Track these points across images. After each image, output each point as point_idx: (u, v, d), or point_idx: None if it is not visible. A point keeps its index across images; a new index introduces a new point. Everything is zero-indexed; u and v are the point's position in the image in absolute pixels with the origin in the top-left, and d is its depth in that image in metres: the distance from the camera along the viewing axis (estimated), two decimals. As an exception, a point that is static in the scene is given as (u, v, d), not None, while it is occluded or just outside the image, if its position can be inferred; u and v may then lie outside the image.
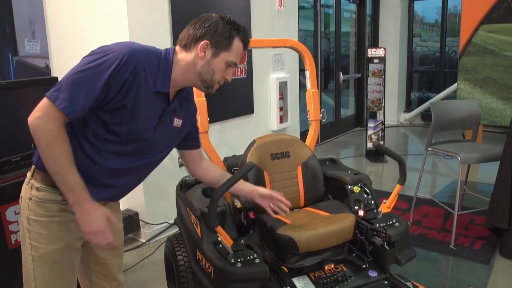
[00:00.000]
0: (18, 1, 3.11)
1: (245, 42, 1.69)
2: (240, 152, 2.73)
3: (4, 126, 2.29)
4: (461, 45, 5.71)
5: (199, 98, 2.52)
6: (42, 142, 1.43)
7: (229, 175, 1.97)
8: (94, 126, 1.54)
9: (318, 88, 2.94)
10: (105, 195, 1.66)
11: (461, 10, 5.79)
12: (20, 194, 1.67)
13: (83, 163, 1.54)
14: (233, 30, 1.63)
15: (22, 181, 2.18)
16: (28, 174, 1.66)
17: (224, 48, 1.63)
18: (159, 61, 1.59)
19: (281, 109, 5.44)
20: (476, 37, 5.59)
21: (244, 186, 2.07)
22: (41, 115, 1.43)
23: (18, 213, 2.29)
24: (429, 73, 9.39)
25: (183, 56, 1.63)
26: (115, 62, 1.45)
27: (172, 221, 3.81)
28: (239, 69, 4.76)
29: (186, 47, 1.63)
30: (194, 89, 2.48)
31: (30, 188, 1.61)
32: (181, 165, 4.00)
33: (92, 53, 1.50)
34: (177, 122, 1.75)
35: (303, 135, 6.02)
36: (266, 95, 5.29)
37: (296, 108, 5.87)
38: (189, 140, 1.93)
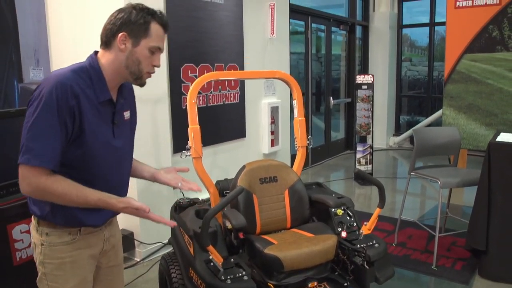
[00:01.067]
0: (24, 31, 3.31)
1: (163, 24, 1.68)
2: (232, 175, 2.90)
3: (10, 150, 2.45)
4: (446, 73, 5.96)
5: (193, 126, 2.69)
6: (49, 198, 1.55)
7: (138, 163, 2.01)
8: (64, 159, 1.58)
9: (305, 116, 3.13)
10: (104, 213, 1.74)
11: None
12: (32, 240, 1.73)
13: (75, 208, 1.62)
14: (147, 15, 1.64)
15: (26, 203, 2.35)
16: (33, 221, 1.71)
17: (143, 35, 1.63)
18: (88, 74, 1.61)
19: (272, 133, 5.63)
20: (460, 65, 5.85)
21: (148, 170, 2.02)
22: (28, 182, 1.50)
23: (24, 232, 2.45)
24: (418, 97, 9.64)
25: (107, 57, 1.65)
26: (53, 98, 1.48)
27: (166, 241, 3.95)
28: (231, 94, 4.96)
29: (107, 45, 1.64)
30: (189, 116, 2.68)
31: (40, 234, 1.68)
32: (174, 188, 4.16)
33: (30, 103, 1.51)
34: (127, 114, 1.80)
35: (293, 157, 6.21)
36: (258, 119, 5.48)
37: (287, 132, 6.06)
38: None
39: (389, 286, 2.86)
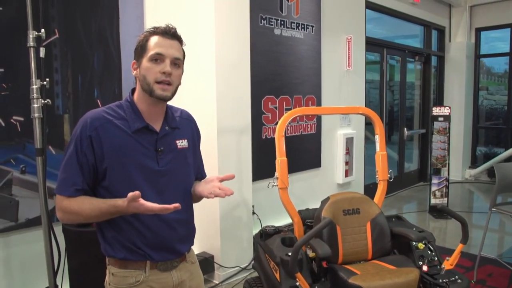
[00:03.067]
0: (126, 67, 3.66)
1: (160, 32, 1.67)
2: (307, 203, 3.02)
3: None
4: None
5: (282, 158, 2.87)
6: (73, 219, 1.65)
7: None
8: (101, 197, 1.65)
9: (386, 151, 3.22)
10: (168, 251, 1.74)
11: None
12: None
13: (130, 234, 1.67)
14: (145, 36, 1.67)
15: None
16: (106, 259, 1.77)
17: (144, 53, 1.65)
18: (122, 107, 1.68)
19: (347, 163, 5.73)
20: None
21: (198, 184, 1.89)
22: (56, 208, 1.65)
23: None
24: (496, 128, 9.33)
25: (137, 87, 1.71)
26: (77, 132, 1.62)
27: (244, 265, 4.13)
28: (309, 125, 5.13)
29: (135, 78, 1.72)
30: (277, 148, 2.86)
31: (108, 273, 1.74)
32: (253, 213, 4.35)
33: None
34: (182, 143, 1.78)
35: (367, 188, 6.25)
36: (333, 150, 5.60)
37: (361, 163, 6.13)
38: (196, 169, 1.91)
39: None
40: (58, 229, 2.88)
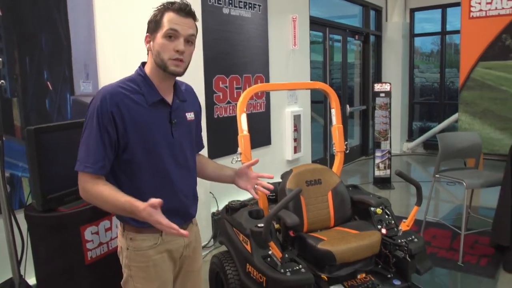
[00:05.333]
0: (76, 48, 3.57)
1: (175, 9, 1.68)
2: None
3: (72, 160, 2.68)
4: (461, 80, 6.21)
5: (244, 134, 2.93)
6: (93, 201, 1.68)
7: (221, 166, 2.12)
8: (121, 171, 1.72)
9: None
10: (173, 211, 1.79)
11: (457, 42, 6.30)
12: (118, 245, 1.88)
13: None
14: (160, 11, 1.69)
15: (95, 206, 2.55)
16: (120, 227, 1.85)
17: (158, 28, 1.67)
18: (136, 82, 1.72)
19: (295, 140, 5.87)
20: (474, 73, 6.10)
21: (225, 172, 2.09)
22: (79, 186, 1.68)
23: (94, 233, 2.68)
24: (429, 104, 9.86)
25: (148, 62, 1.76)
26: (95, 108, 1.62)
27: (203, 244, 4.18)
28: (258, 104, 5.21)
29: (147, 52, 1.76)
30: (239, 124, 2.92)
31: (125, 239, 1.81)
32: (210, 192, 4.40)
33: (85, 118, 1.69)
34: (190, 115, 1.87)
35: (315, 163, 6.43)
36: (281, 127, 5.73)
37: (308, 139, 6.30)
38: (196, 140, 2.00)
39: (422, 281, 3.09)
40: (20, 216, 2.80)
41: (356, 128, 8.98)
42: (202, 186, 4.27)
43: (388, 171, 6.53)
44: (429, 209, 4.39)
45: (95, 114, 1.63)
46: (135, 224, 1.76)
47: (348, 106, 7.97)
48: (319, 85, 3.22)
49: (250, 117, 5.18)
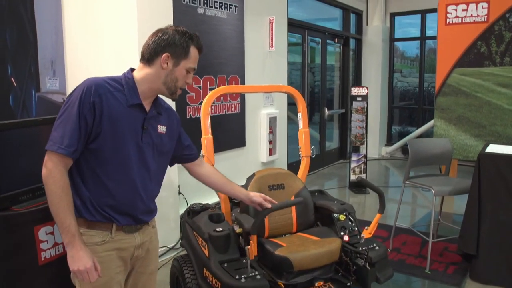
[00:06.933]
0: (43, 44, 3.49)
1: (199, 48, 1.89)
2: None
3: (33, 157, 2.61)
4: (437, 86, 6.23)
5: (207, 136, 2.88)
6: (49, 191, 1.70)
7: (228, 181, 2.36)
8: (85, 160, 1.77)
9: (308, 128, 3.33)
10: (128, 216, 1.88)
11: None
12: None
13: (104, 199, 1.81)
14: (188, 40, 1.84)
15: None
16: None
17: (183, 57, 1.83)
18: (120, 82, 1.82)
19: (270, 142, 5.83)
20: (450, 79, 6.12)
21: (240, 192, 2.39)
22: (44, 164, 1.71)
23: (49, 233, 2.61)
24: (409, 108, 9.90)
25: (146, 71, 1.84)
26: (78, 95, 1.71)
27: (171, 245, 4.13)
28: (233, 105, 5.16)
29: (149, 61, 1.84)
30: (202, 126, 2.87)
31: None
32: (179, 193, 4.34)
33: (64, 102, 1.77)
34: (161, 128, 1.95)
35: (290, 166, 6.42)
36: (257, 129, 5.68)
37: (284, 142, 6.27)
38: (185, 151, 2.19)
39: (386, 288, 3.08)
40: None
41: (335, 131, 8.99)
42: (171, 187, 4.24)
43: (363, 175, 6.53)
44: (403, 215, 4.38)
45: (77, 101, 1.70)
46: (88, 216, 1.81)
47: (326, 109, 7.98)
48: (286, 88, 3.18)
49: (224, 118, 5.19)
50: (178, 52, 1.82)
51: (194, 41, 1.86)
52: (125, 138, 1.81)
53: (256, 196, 2.38)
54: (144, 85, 1.85)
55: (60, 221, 1.70)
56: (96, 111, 1.72)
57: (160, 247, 4.08)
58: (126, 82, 1.83)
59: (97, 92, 1.73)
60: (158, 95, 1.95)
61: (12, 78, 3.41)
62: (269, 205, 2.36)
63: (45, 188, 1.73)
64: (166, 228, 4.08)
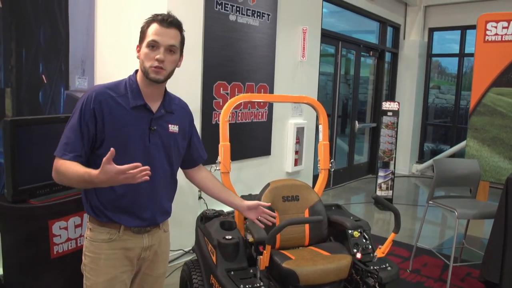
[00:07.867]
0: (74, 43, 3.58)
1: (159, 20, 1.81)
2: (255, 190, 3.06)
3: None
4: (472, 105, 6.04)
5: (224, 143, 2.88)
6: (62, 180, 1.78)
7: (225, 188, 2.35)
8: (94, 165, 1.72)
9: (329, 138, 3.29)
10: (139, 219, 1.92)
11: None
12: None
13: (105, 196, 1.85)
14: (147, 22, 1.84)
15: (67, 201, 2.56)
16: (87, 216, 1.97)
17: (144, 38, 1.83)
18: (125, 85, 1.87)
19: (296, 152, 5.79)
20: (486, 98, 5.93)
21: (234, 200, 2.30)
22: (54, 170, 1.78)
23: (62, 228, 2.67)
24: (444, 126, 9.65)
25: (139, 69, 1.90)
26: (80, 103, 1.79)
27: (187, 249, 4.14)
28: (260, 113, 5.15)
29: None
30: (221, 133, 2.87)
31: (87, 229, 1.94)
32: (200, 197, 4.35)
33: (73, 111, 1.85)
34: (173, 128, 1.96)
35: (316, 177, 6.33)
36: (283, 138, 5.65)
37: (311, 153, 6.21)
38: (194, 154, 2.17)
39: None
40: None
41: (365, 145, 8.86)
42: (191, 191, 4.26)
43: (390, 192, 6.40)
44: (430, 236, 4.26)
45: (79, 109, 1.79)
46: (97, 218, 1.89)
47: (357, 122, 7.87)
48: (307, 99, 3.15)
49: (250, 126, 5.19)
50: (141, 37, 1.86)
51: (154, 18, 1.83)
52: (130, 140, 1.84)
53: (252, 204, 2.28)
54: (142, 84, 1.89)
55: (81, 183, 1.73)
56: (97, 117, 1.79)
57: (176, 250, 4.14)
58: (130, 85, 1.88)
59: (97, 99, 1.79)
60: (167, 93, 1.98)
61: (43, 75, 3.50)
62: (266, 216, 2.28)
63: (62, 184, 1.83)
64: (184, 232, 4.09)
